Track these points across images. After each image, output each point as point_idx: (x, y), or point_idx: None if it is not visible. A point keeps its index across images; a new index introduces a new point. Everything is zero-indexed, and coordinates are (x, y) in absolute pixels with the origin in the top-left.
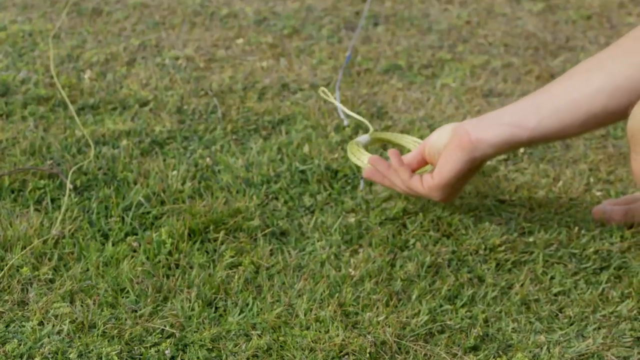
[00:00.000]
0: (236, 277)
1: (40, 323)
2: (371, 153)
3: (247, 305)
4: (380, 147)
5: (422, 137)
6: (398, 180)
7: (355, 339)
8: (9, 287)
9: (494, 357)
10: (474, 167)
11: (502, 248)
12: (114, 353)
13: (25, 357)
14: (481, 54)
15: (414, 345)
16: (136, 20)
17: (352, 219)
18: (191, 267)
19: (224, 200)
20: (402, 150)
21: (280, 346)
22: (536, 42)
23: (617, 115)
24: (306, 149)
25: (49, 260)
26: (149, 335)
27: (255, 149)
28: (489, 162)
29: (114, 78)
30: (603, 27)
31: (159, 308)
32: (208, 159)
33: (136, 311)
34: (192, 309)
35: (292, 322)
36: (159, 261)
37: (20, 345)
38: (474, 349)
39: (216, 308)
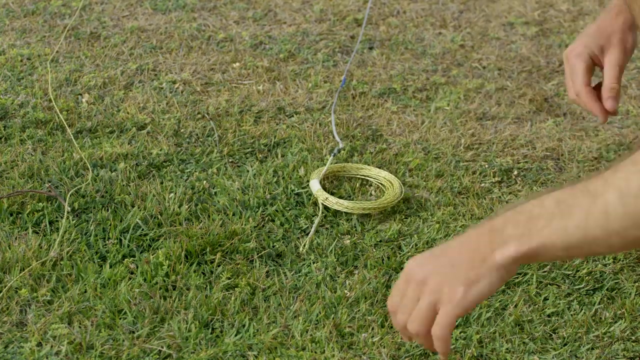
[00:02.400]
0: (232, 298)
1: (39, 344)
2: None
3: (244, 326)
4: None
5: (417, 160)
6: None
7: None
8: (7, 308)
9: None
10: None
11: None
12: None
13: None
14: (475, 78)
15: None
16: (133, 45)
17: (347, 241)
18: (188, 289)
19: (221, 222)
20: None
21: None
22: (530, 66)
23: None
24: (302, 171)
25: (47, 281)
26: (147, 356)
27: (252, 172)
28: (482, 184)
29: (112, 102)
30: None
31: (156, 329)
32: (205, 182)
33: (134, 332)
34: (189, 330)
35: (288, 342)
36: (156, 283)
37: None
38: None
39: (213, 329)
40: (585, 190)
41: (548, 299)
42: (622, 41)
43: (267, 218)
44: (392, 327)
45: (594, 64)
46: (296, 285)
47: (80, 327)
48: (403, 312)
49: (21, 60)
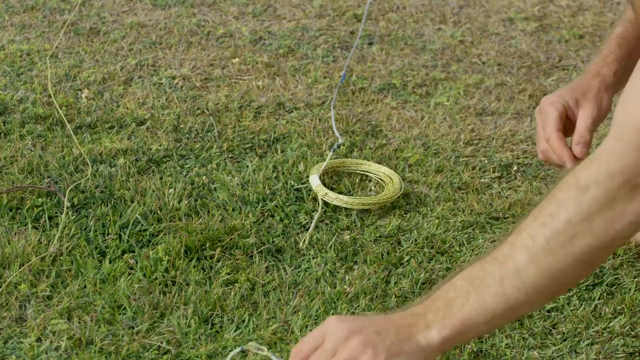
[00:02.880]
0: (232, 293)
1: (38, 339)
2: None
3: (243, 321)
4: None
5: (417, 155)
6: None
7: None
8: (7, 303)
9: None
10: None
11: None
12: None
13: None
14: (475, 73)
15: None
16: (133, 40)
17: (347, 236)
18: (187, 284)
19: (220, 217)
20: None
21: None
22: (529, 61)
23: None
24: (301, 167)
25: (47, 277)
26: (146, 352)
27: (251, 167)
28: (482, 180)
29: (111, 97)
30: (596, 46)
31: (155, 324)
32: (204, 177)
33: (133, 328)
34: (189, 326)
35: (288, 338)
36: (156, 278)
37: None
38: None
39: (212, 324)
40: (493, 260)
41: None
42: (597, 98)
43: (266, 213)
44: None
45: (567, 117)
46: (296, 280)
47: (79, 322)
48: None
49: (21, 56)
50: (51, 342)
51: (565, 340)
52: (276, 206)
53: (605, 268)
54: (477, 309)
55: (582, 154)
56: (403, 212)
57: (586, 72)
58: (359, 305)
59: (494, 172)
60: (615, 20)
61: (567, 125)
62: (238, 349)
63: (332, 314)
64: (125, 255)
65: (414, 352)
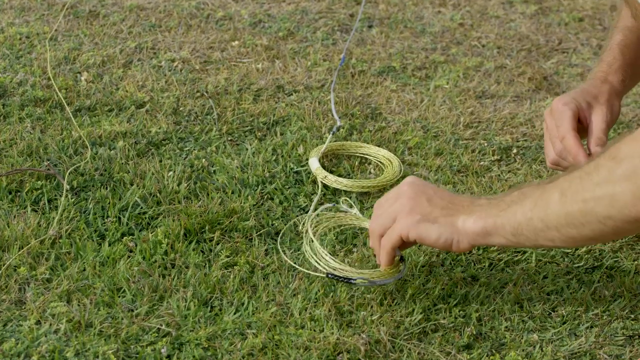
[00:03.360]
0: (231, 276)
1: (38, 322)
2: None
3: (243, 304)
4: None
5: (416, 138)
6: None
7: (350, 338)
8: (6, 286)
9: (487, 356)
10: None
11: (495, 248)
12: (110, 352)
13: (22, 356)
14: (474, 56)
15: (408, 344)
16: (132, 23)
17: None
18: (187, 267)
19: (220, 200)
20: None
21: (276, 345)
22: (529, 44)
23: None
24: (301, 150)
25: (46, 260)
26: (145, 334)
27: (251, 150)
28: (482, 163)
29: (111, 80)
30: (595, 29)
31: (155, 307)
32: (204, 160)
33: (132, 310)
34: (188, 308)
35: (287, 321)
36: (155, 261)
37: (17, 344)
38: (468, 347)
39: (212, 307)
40: (541, 186)
41: (547, 277)
42: (608, 102)
43: (266, 196)
44: (390, 306)
45: (578, 119)
46: (295, 263)
47: (79, 305)
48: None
49: (20, 39)
50: (50, 324)
51: (564, 323)
52: (275, 189)
53: (604, 251)
54: (508, 218)
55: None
56: None
57: (594, 78)
58: (358, 288)
59: (493, 155)
60: (612, 7)
61: (579, 129)
62: (329, 205)
63: (332, 297)
64: (125, 238)
65: (446, 226)
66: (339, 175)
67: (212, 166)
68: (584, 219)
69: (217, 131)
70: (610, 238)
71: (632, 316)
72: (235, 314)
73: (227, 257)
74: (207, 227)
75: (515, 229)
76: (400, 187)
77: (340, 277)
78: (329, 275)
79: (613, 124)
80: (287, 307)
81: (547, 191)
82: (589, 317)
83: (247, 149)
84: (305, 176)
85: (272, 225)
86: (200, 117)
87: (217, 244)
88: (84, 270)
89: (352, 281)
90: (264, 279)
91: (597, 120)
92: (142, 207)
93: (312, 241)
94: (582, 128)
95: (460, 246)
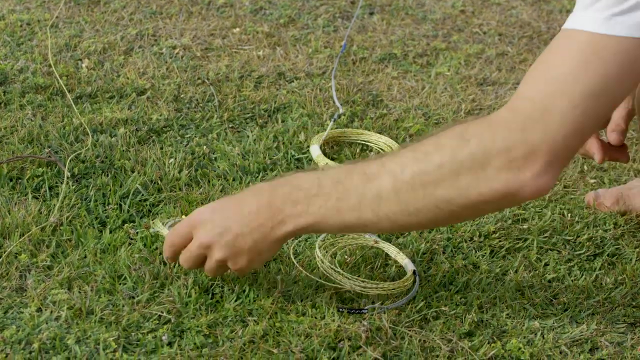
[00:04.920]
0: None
1: (39, 309)
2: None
3: (244, 291)
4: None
5: (417, 125)
6: None
7: (351, 325)
8: (7, 273)
9: (488, 343)
10: None
11: (497, 235)
12: (111, 339)
13: (23, 343)
14: (476, 43)
15: (409, 331)
16: (133, 10)
17: None
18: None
19: (221, 187)
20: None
21: (277, 332)
22: (530, 31)
23: None
24: (302, 137)
25: (47, 247)
26: (146, 322)
27: (252, 137)
28: None
29: (112, 67)
30: None
31: (156, 294)
32: (205, 147)
33: (133, 297)
34: (189, 296)
35: (288, 308)
36: (156, 248)
37: (18, 331)
38: (469, 334)
39: (213, 294)
40: (362, 172)
41: (549, 265)
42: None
43: None
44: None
45: None
46: (296, 250)
47: (80, 292)
48: (183, 256)
49: (21, 26)
50: (51, 312)
51: (566, 310)
52: (277, 176)
53: (606, 238)
54: (333, 214)
55: (617, 141)
56: None
57: None
58: (359, 276)
59: None
60: None
61: None
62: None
63: (333, 283)
64: (126, 225)
65: (270, 248)
66: (340, 162)
67: (213, 153)
68: (420, 205)
69: (218, 118)
70: (441, 224)
71: (634, 303)
72: (236, 301)
73: None
74: None
75: (342, 224)
76: (199, 233)
77: (350, 309)
78: (340, 309)
79: (634, 112)
80: (288, 294)
81: (373, 178)
82: (590, 304)
83: (248, 136)
84: (306, 163)
85: None
86: (201, 104)
87: None
88: (85, 257)
89: (364, 311)
90: (265, 266)
91: (618, 108)
92: (143, 194)
93: (323, 262)
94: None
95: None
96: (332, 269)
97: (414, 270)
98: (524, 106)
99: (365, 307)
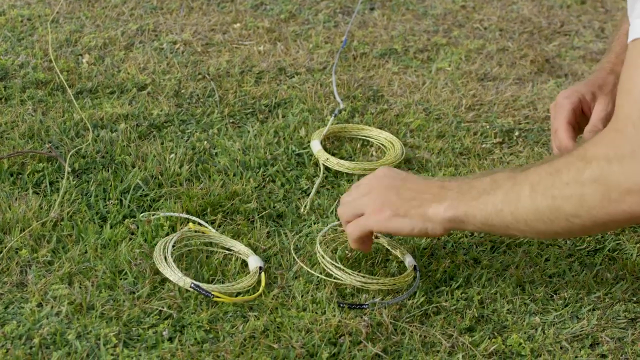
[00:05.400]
0: (233, 258)
1: (39, 304)
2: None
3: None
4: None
5: (418, 120)
6: None
7: (352, 320)
8: (8, 269)
9: (489, 338)
10: None
11: None
12: (112, 334)
13: (24, 338)
14: (476, 38)
15: (410, 326)
16: (134, 5)
17: None
18: (189, 250)
19: (221, 183)
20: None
21: (277, 327)
22: (531, 27)
23: None
24: (303, 132)
25: (48, 242)
26: (147, 317)
27: (252, 133)
28: (484, 145)
29: (112, 62)
30: (597, 12)
31: (156, 290)
32: (205, 142)
33: (134, 293)
34: (190, 291)
35: (289, 303)
36: (157, 243)
37: (19, 326)
38: (470, 330)
39: None
40: (512, 176)
41: (549, 260)
42: (612, 93)
43: (267, 179)
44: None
45: (582, 111)
46: (297, 245)
47: (80, 287)
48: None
49: (21, 21)
50: (52, 307)
51: (566, 305)
52: (277, 171)
53: (607, 234)
54: (479, 208)
55: None
56: None
57: (600, 69)
58: (360, 271)
59: (495, 138)
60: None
61: (582, 121)
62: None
63: (333, 278)
64: (126, 220)
65: (417, 217)
66: (341, 158)
67: (214, 148)
68: (552, 216)
69: (219, 113)
70: (578, 234)
71: (634, 299)
72: (237, 295)
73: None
74: (208, 210)
75: (486, 219)
76: (371, 181)
77: (351, 305)
78: (341, 305)
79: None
80: (289, 289)
81: (517, 184)
82: (591, 299)
83: (248, 131)
84: (307, 158)
85: (274, 207)
86: (202, 100)
87: (219, 226)
88: (86, 252)
89: (364, 306)
90: (265, 261)
91: (597, 110)
92: (143, 190)
93: (324, 257)
94: (587, 120)
95: (436, 232)
96: (332, 264)
97: (415, 266)
98: (628, 131)
99: (366, 303)
